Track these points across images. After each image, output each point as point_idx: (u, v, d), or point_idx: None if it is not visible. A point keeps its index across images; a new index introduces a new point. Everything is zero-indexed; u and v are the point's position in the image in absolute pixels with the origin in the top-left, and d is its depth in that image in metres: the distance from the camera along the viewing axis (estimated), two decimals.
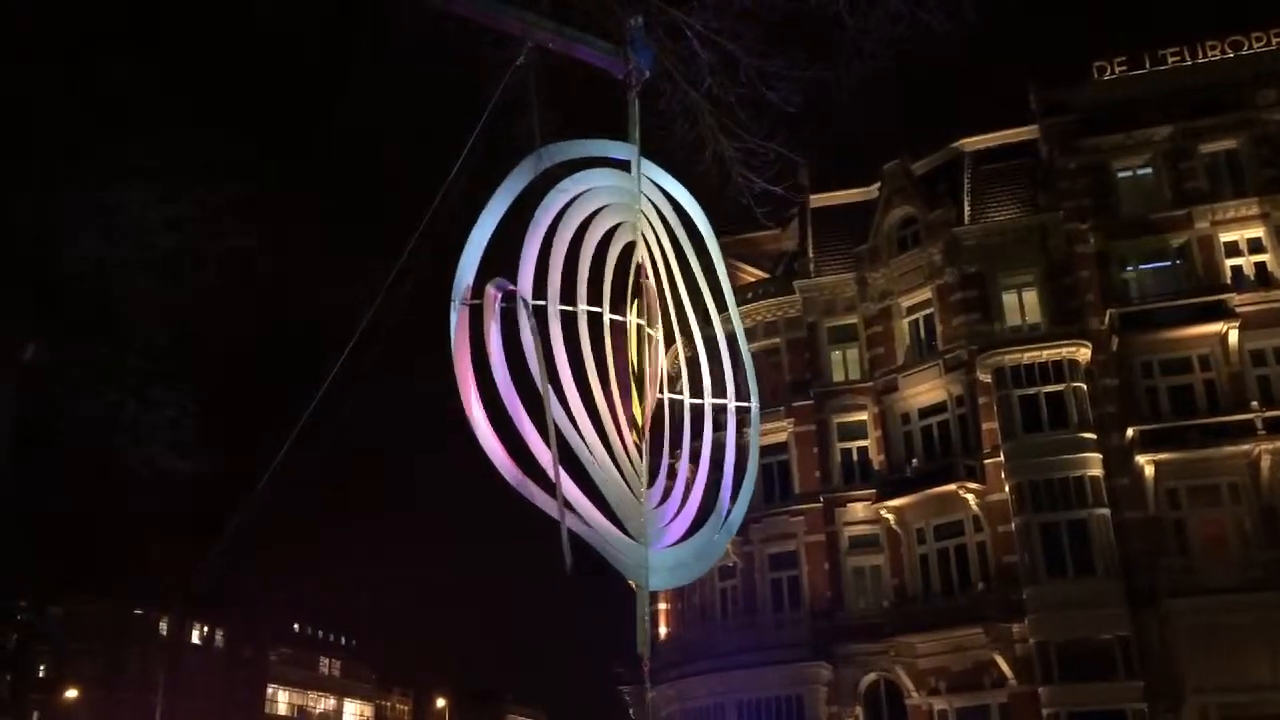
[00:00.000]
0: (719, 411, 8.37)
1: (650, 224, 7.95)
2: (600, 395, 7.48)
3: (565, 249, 7.42)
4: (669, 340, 8.05)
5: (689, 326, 8.23)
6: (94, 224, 10.59)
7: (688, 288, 8.12)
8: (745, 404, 8.37)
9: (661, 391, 7.91)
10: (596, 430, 7.35)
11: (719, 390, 8.34)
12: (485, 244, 6.92)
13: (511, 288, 6.90)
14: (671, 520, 7.65)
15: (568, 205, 7.49)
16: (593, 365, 7.43)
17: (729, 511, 7.89)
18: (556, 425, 6.86)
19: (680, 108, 8.18)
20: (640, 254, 7.84)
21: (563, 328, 7.30)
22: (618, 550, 7.09)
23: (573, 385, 7.26)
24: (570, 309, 7.32)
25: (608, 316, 7.51)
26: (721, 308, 8.31)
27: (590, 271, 7.58)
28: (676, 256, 8.05)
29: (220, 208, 10.98)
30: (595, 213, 7.68)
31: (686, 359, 8.16)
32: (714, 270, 8.28)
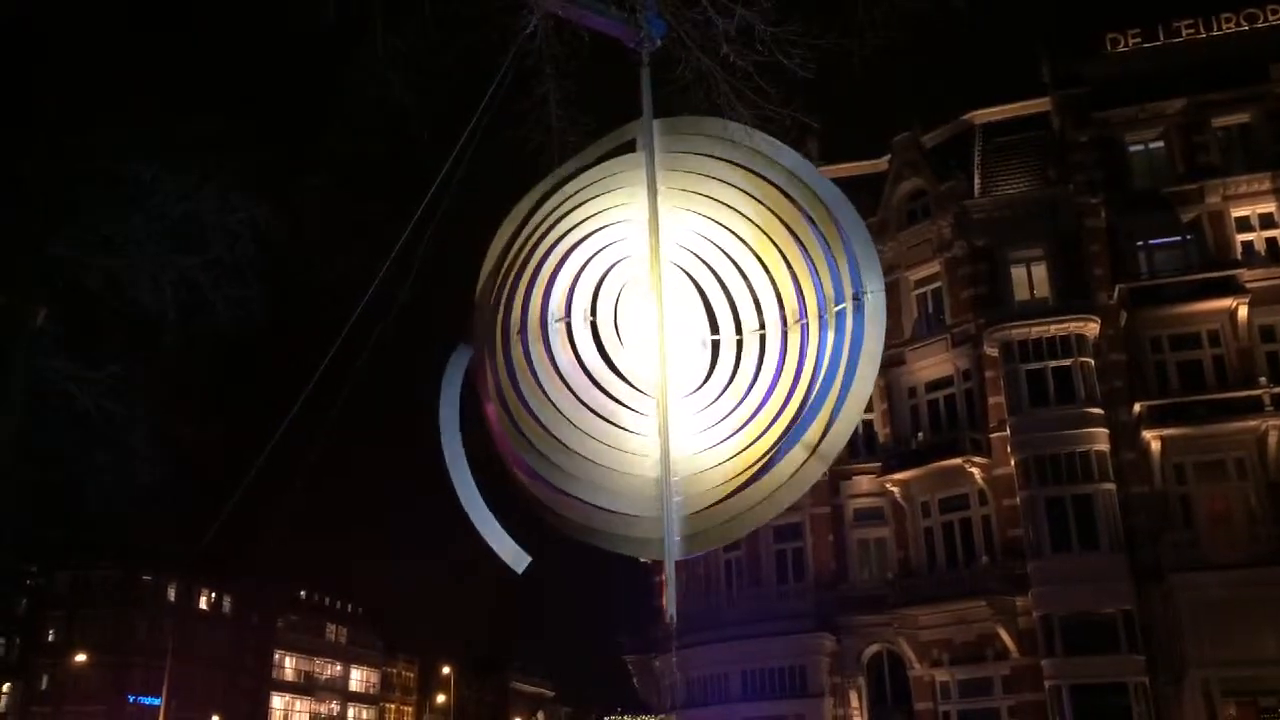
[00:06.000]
0: (823, 314, 7.86)
1: (688, 182, 8.07)
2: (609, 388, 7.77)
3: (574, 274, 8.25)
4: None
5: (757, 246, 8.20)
6: (102, 193, 10.56)
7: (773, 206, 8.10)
8: (858, 293, 7.76)
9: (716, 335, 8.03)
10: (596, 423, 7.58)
11: (834, 292, 7.83)
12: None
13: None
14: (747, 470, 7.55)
15: (579, 242, 7.97)
16: (577, 369, 7.75)
17: (823, 435, 7.51)
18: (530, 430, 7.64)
19: (695, 75, 8.10)
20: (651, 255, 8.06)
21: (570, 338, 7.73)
22: (621, 531, 7.17)
23: (569, 391, 7.59)
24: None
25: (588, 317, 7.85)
26: (819, 214, 8.17)
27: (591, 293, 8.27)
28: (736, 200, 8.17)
29: (229, 180, 10.94)
30: (603, 248, 8.01)
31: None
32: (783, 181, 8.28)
